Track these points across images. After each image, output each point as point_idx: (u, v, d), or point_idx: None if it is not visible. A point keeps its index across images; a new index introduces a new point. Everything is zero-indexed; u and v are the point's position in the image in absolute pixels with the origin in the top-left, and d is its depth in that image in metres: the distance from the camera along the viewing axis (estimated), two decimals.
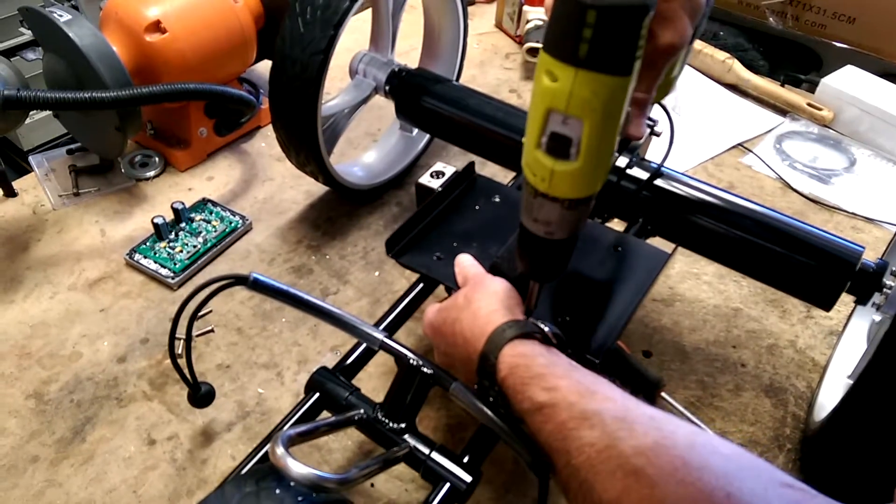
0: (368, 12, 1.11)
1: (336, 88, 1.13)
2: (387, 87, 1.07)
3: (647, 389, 0.87)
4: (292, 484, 0.52)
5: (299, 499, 0.52)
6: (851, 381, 0.74)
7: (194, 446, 0.82)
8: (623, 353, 0.87)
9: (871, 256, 0.79)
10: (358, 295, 1.02)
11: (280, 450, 0.51)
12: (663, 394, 0.87)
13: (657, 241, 0.88)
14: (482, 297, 0.63)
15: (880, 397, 0.67)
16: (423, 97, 1.03)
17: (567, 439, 0.47)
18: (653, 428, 0.45)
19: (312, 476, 0.50)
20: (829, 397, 0.86)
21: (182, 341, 0.76)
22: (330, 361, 0.74)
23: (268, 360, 0.92)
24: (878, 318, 0.85)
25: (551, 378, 0.52)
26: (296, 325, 0.96)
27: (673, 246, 0.83)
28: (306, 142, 0.98)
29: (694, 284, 1.05)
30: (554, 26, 0.45)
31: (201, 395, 0.81)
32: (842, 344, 0.94)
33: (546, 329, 0.59)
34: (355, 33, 1.15)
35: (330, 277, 1.04)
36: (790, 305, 1.02)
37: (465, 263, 0.71)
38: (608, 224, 0.92)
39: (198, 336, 0.94)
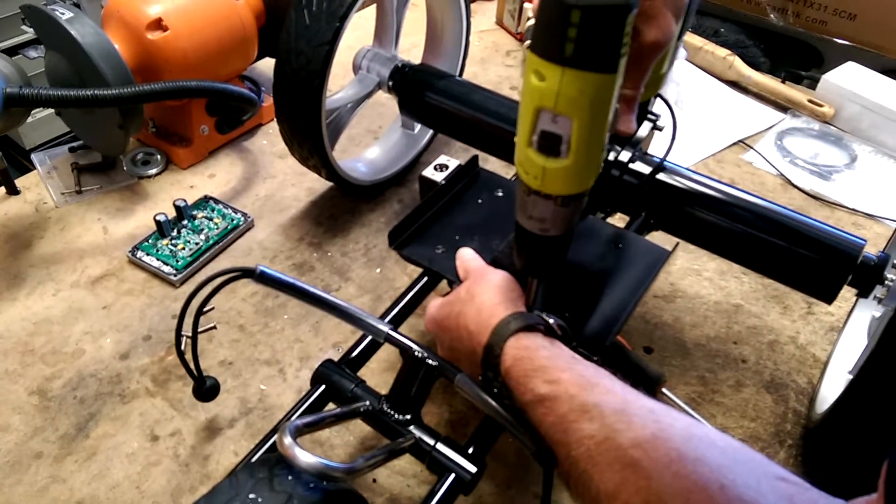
0: (372, 9, 1.12)
1: (338, 85, 1.14)
2: (390, 83, 1.08)
3: (648, 385, 0.87)
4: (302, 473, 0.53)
5: (310, 485, 0.52)
6: (852, 377, 0.75)
7: (197, 442, 0.83)
8: (624, 349, 0.87)
9: (872, 252, 0.79)
10: (360, 292, 1.02)
11: (288, 439, 0.51)
12: (664, 389, 0.88)
13: (659, 235, 0.88)
14: (485, 291, 0.63)
15: (881, 390, 0.67)
16: (426, 92, 1.03)
17: (567, 431, 0.48)
18: (651, 420, 0.45)
19: (319, 465, 0.50)
20: (830, 393, 0.86)
21: (186, 336, 0.76)
22: (332, 357, 0.74)
23: (270, 357, 0.92)
24: (878, 313, 0.86)
25: (553, 371, 0.52)
26: (298, 322, 0.97)
27: (674, 243, 0.83)
28: (310, 134, 0.98)
29: (695, 281, 1.05)
30: (540, 26, 0.46)
31: (206, 389, 0.82)
32: (842, 340, 0.94)
33: (551, 321, 0.59)
34: (358, 30, 1.16)
35: (331, 274, 1.04)
36: (791, 301, 1.02)
37: (467, 257, 0.72)
38: (610, 219, 0.93)
39: (200, 332, 0.94)
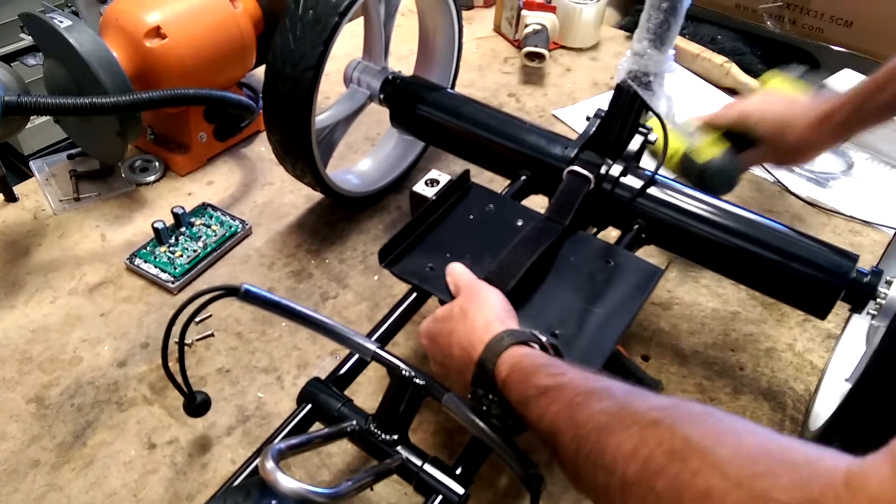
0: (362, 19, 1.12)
1: (336, 93, 1.14)
2: (381, 96, 1.08)
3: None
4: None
5: None
6: (850, 384, 0.75)
7: (194, 450, 0.83)
8: (621, 357, 0.87)
9: (868, 259, 0.79)
10: (357, 299, 1.02)
11: (269, 464, 0.50)
12: None
13: (651, 249, 0.88)
14: (478, 309, 0.63)
15: (876, 408, 0.67)
16: (418, 105, 1.03)
17: (574, 414, 0.46)
18: (664, 397, 0.45)
19: (302, 490, 0.49)
20: (828, 400, 0.86)
21: (187, 344, 0.75)
22: (330, 365, 0.74)
23: (267, 365, 0.92)
24: (875, 322, 0.86)
25: (556, 367, 0.52)
26: (295, 330, 0.97)
27: (667, 261, 0.83)
28: (302, 155, 0.98)
29: (692, 288, 1.05)
30: None
31: (197, 405, 0.80)
32: (840, 347, 0.94)
33: (543, 339, 0.59)
34: (355, 38, 1.16)
35: (329, 282, 1.04)
36: (788, 309, 1.02)
37: (457, 272, 0.72)
38: (602, 233, 0.93)
39: (198, 340, 0.94)
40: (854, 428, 0.73)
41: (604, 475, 0.42)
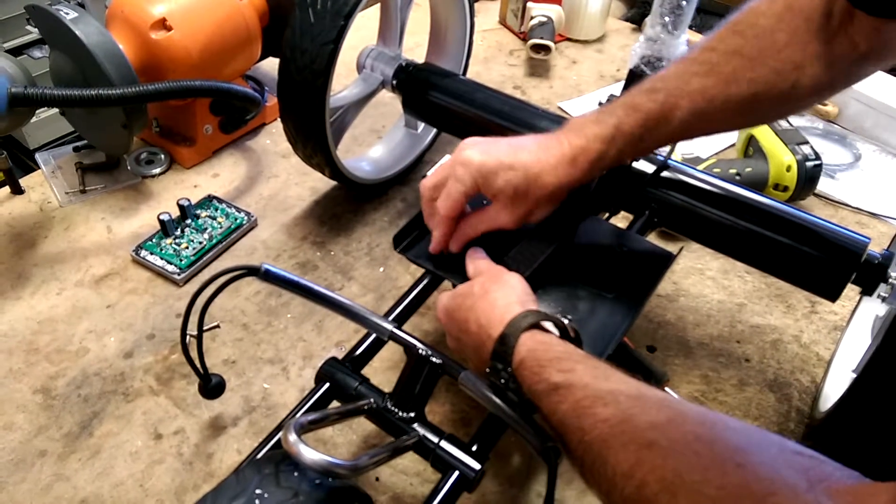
0: (375, 9, 1.12)
1: (341, 85, 1.14)
2: (394, 82, 1.08)
3: (651, 384, 0.87)
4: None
5: (316, 482, 0.53)
6: (855, 375, 0.74)
7: (201, 441, 0.83)
8: (628, 348, 0.87)
9: (876, 250, 0.79)
10: (363, 291, 1.02)
11: (292, 436, 0.51)
12: (667, 388, 0.88)
13: (663, 234, 0.88)
14: (499, 289, 0.64)
15: (884, 388, 0.67)
16: (430, 91, 1.03)
17: (581, 417, 0.48)
18: (665, 406, 0.46)
19: (324, 462, 0.50)
20: (833, 391, 0.86)
21: (192, 335, 0.76)
22: (335, 356, 0.74)
23: (273, 356, 0.93)
24: (881, 311, 0.85)
25: (568, 361, 0.53)
26: (301, 321, 0.97)
27: (678, 246, 0.83)
28: (314, 133, 0.98)
29: (698, 280, 1.05)
30: None
31: (212, 387, 0.82)
32: (846, 339, 0.94)
33: (565, 321, 0.60)
34: (361, 30, 1.16)
35: (335, 273, 1.04)
36: (794, 301, 1.02)
37: (478, 257, 0.73)
38: (614, 218, 0.92)
39: (204, 331, 0.94)
40: (859, 411, 0.73)
41: (606, 485, 0.45)
